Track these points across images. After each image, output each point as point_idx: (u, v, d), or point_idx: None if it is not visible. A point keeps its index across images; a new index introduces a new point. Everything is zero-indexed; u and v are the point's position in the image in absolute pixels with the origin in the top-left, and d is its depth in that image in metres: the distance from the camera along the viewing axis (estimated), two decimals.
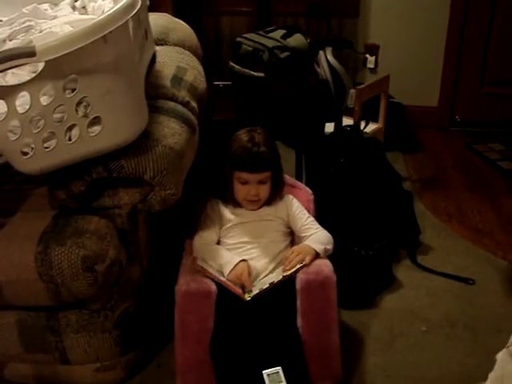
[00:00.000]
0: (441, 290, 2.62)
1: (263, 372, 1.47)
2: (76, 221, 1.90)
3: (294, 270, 1.93)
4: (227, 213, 2.12)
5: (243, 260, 1.97)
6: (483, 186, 3.50)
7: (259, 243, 2.07)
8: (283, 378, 1.38)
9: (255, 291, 1.89)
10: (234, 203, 2.11)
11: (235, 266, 1.94)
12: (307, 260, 1.94)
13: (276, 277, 1.94)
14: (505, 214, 3.20)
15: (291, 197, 2.19)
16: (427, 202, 3.31)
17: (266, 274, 2.00)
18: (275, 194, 2.12)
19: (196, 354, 1.93)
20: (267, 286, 1.89)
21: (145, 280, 2.15)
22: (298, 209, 2.15)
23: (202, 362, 1.91)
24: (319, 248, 2.00)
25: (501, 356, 1.25)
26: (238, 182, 2.05)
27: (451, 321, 2.43)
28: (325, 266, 1.96)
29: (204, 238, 2.07)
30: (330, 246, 2.05)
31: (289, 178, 2.33)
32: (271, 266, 2.03)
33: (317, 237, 2.07)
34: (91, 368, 2.11)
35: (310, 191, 2.32)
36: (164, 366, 2.21)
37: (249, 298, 1.87)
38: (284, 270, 1.96)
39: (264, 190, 2.07)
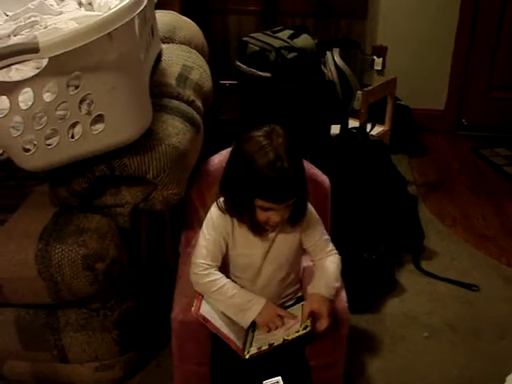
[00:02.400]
0: (444, 295, 2.61)
1: (263, 383, 1.44)
2: (77, 219, 1.89)
3: (297, 335, 1.70)
4: (237, 235, 1.78)
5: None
6: (488, 191, 3.48)
7: (268, 271, 1.82)
8: None
9: (254, 350, 1.72)
10: (254, 227, 1.73)
11: (261, 311, 1.75)
12: (324, 325, 1.71)
13: (278, 337, 1.72)
14: (510, 219, 3.18)
15: (309, 211, 1.82)
16: (432, 206, 3.30)
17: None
18: (301, 214, 1.76)
19: (196, 376, 1.89)
20: (267, 347, 1.70)
21: (145, 279, 2.13)
22: (314, 226, 1.85)
23: (202, 381, 1.85)
24: (331, 294, 1.78)
25: None
26: (258, 207, 1.65)
27: (453, 326, 2.42)
28: (340, 301, 1.84)
29: (209, 261, 1.79)
30: (338, 283, 1.83)
31: (305, 166, 1.92)
32: (281, 295, 1.87)
33: (327, 276, 1.82)
34: (90, 367, 2.10)
35: (328, 183, 2.13)
36: (163, 365, 2.20)
37: (247, 357, 1.71)
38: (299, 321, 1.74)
39: (288, 213, 1.70)
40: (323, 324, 1.71)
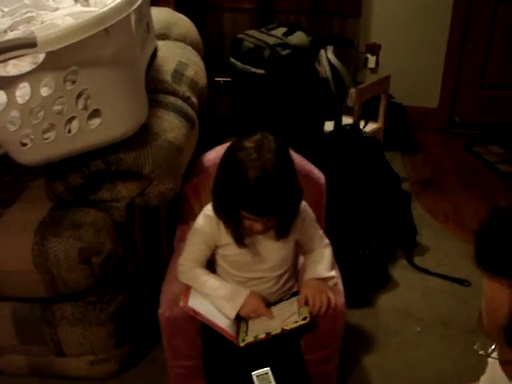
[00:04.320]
0: (436, 290, 2.63)
1: (252, 373, 1.45)
2: (73, 213, 1.91)
3: (295, 326, 1.71)
4: (228, 239, 1.77)
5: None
6: (481, 188, 3.50)
7: (263, 270, 1.83)
8: (272, 379, 1.36)
9: (250, 338, 1.72)
10: (237, 235, 1.74)
11: (245, 301, 1.78)
12: (325, 302, 1.76)
13: (275, 327, 1.73)
14: None
15: (305, 213, 1.85)
16: (425, 202, 3.32)
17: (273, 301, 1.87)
18: (287, 228, 1.76)
19: (189, 370, 1.90)
20: (263, 335, 1.71)
21: (140, 273, 2.15)
22: (311, 230, 1.88)
23: (196, 375, 1.88)
24: (322, 276, 1.84)
25: (492, 360, 1.25)
26: (242, 216, 1.67)
27: (445, 321, 2.44)
28: (337, 294, 1.83)
29: (193, 263, 1.84)
30: (333, 271, 1.88)
31: (300, 163, 2.04)
32: (277, 292, 1.88)
33: (317, 262, 1.87)
34: (86, 360, 2.11)
35: (323, 180, 2.12)
36: (158, 359, 2.21)
37: (243, 345, 1.71)
38: (306, 309, 1.75)
39: (272, 223, 1.70)
40: (324, 302, 1.75)
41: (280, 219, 1.70)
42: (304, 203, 1.83)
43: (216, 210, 1.74)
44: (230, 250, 1.80)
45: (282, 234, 1.76)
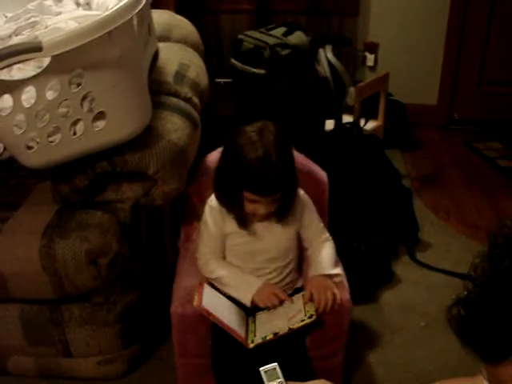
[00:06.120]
0: (439, 285, 2.64)
1: (260, 369, 1.47)
2: (79, 215, 1.93)
3: (302, 324, 1.72)
4: (232, 228, 1.85)
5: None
6: (481, 184, 3.52)
7: (266, 261, 1.88)
8: (280, 374, 1.38)
9: (258, 339, 1.73)
10: (240, 219, 1.81)
11: (260, 287, 1.82)
12: (330, 298, 1.78)
13: (282, 326, 1.74)
14: (502, 210, 3.22)
15: (305, 202, 1.92)
16: (426, 199, 3.34)
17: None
18: (287, 210, 1.82)
19: (198, 368, 1.92)
20: (271, 336, 1.72)
21: (146, 274, 2.16)
22: (311, 219, 1.93)
23: (204, 373, 1.89)
24: (328, 272, 1.87)
25: None
26: (245, 198, 1.73)
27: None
28: (342, 290, 1.84)
29: (209, 255, 1.90)
30: (338, 268, 1.92)
31: (303, 162, 2.11)
32: (279, 284, 1.90)
33: (322, 258, 1.90)
34: (93, 361, 2.13)
35: (326, 179, 2.15)
36: (165, 359, 2.23)
37: (252, 346, 1.73)
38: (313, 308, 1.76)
39: (275, 206, 1.76)
40: (329, 298, 1.77)
41: (282, 199, 1.76)
42: (303, 192, 1.92)
43: (218, 195, 1.82)
44: (233, 239, 1.87)
45: (281, 215, 1.81)
